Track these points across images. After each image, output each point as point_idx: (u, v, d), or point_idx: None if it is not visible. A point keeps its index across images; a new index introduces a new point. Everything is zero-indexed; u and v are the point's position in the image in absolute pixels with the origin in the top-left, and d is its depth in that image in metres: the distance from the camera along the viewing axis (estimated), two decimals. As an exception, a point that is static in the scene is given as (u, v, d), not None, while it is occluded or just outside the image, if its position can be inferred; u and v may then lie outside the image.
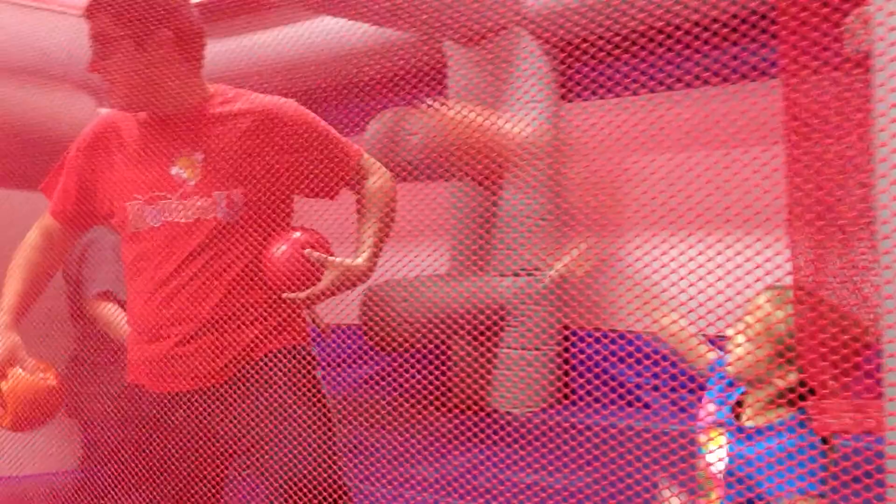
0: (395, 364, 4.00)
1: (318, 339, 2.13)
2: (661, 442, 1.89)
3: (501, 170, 2.00)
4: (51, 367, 2.08)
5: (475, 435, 3.17)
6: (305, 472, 1.84)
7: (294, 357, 2.00)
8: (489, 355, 3.73)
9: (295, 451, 1.87)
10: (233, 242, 1.99)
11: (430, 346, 3.52)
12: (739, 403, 1.74)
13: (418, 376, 1.99)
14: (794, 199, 1.27)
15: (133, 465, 1.98)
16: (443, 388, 2.08)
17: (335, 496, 1.85)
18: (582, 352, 3.82)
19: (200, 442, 1.95)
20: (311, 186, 2.06)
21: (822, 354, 1.22)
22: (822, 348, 1.22)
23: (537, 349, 3.69)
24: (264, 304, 1.99)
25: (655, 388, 3.64)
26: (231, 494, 2.05)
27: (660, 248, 1.74)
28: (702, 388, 1.87)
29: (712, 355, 1.86)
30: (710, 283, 1.51)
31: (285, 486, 1.84)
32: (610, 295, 1.96)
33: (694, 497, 1.79)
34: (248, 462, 1.93)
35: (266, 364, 1.98)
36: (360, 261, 1.99)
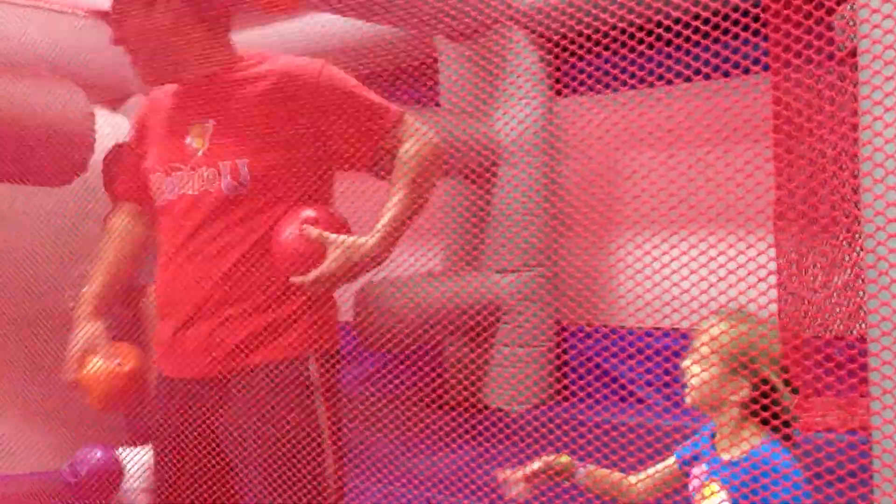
0: (390, 363, 4.00)
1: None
2: (656, 437, 1.89)
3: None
4: (132, 351, 2.07)
5: (467, 431, 3.17)
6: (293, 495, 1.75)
7: (290, 375, 1.80)
8: (483, 352, 3.73)
9: (280, 481, 1.76)
10: (236, 219, 1.80)
11: (424, 345, 3.51)
12: (713, 435, 1.76)
13: (413, 376, 1.97)
14: (779, 197, 1.27)
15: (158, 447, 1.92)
16: (436, 386, 2.06)
17: None
18: (575, 347, 3.82)
19: (195, 434, 1.87)
20: (338, 155, 1.83)
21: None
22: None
23: (531, 346, 3.68)
24: (273, 292, 1.79)
25: (649, 384, 3.64)
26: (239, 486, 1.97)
27: (651, 242, 1.74)
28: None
29: (672, 458, 1.86)
30: (693, 282, 1.51)
31: None
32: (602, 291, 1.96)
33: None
34: (238, 470, 1.87)
35: (263, 375, 1.80)
36: (366, 240, 1.73)
